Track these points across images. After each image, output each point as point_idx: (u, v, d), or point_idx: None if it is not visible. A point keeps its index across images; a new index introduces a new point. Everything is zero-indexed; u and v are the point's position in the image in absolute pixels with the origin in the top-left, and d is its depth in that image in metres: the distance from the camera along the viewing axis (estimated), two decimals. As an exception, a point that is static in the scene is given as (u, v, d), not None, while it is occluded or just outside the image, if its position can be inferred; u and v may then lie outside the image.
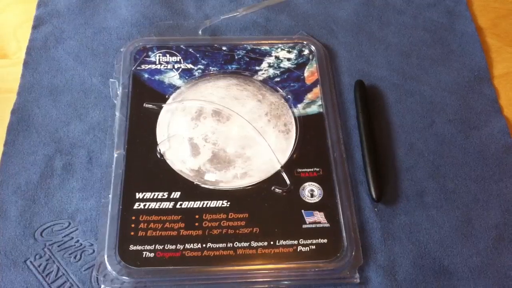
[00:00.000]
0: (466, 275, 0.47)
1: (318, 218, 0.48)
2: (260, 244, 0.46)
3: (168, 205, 0.48)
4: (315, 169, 0.51)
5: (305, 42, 0.60)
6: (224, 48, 0.59)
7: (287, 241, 0.47)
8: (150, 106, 0.54)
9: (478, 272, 0.47)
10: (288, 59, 0.58)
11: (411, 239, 0.48)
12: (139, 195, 0.48)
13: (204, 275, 0.45)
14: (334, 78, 0.58)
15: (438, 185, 0.51)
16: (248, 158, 0.51)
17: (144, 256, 0.45)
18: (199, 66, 0.57)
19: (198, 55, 0.58)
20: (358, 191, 0.51)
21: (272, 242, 0.46)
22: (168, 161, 0.51)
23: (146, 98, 0.54)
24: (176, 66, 0.57)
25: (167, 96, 0.55)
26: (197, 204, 0.48)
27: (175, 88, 0.55)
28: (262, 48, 0.59)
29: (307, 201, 0.49)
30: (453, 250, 0.48)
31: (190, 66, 0.57)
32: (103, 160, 0.51)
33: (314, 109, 0.55)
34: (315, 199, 0.49)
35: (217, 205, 0.48)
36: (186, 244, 0.46)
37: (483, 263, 0.47)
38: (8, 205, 0.48)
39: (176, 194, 0.49)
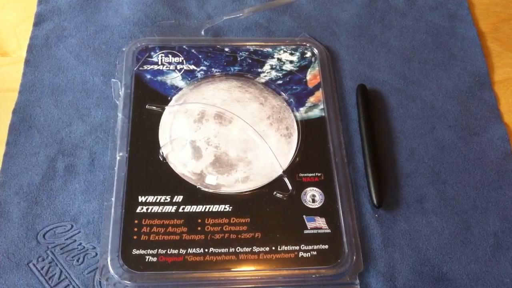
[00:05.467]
0: (464, 282, 0.47)
1: (320, 223, 0.48)
2: (262, 249, 0.47)
3: (171, 209, 0.48)
4: (316, 174, 0.51)
5: (307, 45, 0.60)
6: (226, 49, 0.58)
7: (288, 246, 0.47)
8: (152, 107, 0.54)
9: (476, 279, 0.48)
10: (291, 62, 0.58)
11: (410, 245, 0.49)
12: (141, 199, 0.48)
13: (206, 280, 0.45)
14: (336, 81, 0.58)
15: (438, 191, 0.52)
16: (250, 162, 0.52)
17: (147, 260, 0.45)
18: (201, 68, 0.57)
19: (200, 56, 0.58)
20: (359, 196, 0.51)
21: (274, 248, 0.47)
22: (170, 164, 0.51)
23: (148, 99, 0.54)
24: (178, 67, 0.57)
25: (169, 98, 0.55)
26: (199, 208, 0.48)
27: (177, 89, 0.55)
28: (265, 50, 0.59)
29: (309, 206, 0.49)
30: (451, 257, 0.49)
31: (192, 67, 0.57)
32: (106, 162, 0.51)
33: (316, 112, 0.55)
34: (317, 205, 0.50)
35: (219, 210, 0.49)
36: (189, 249, 0.46)
37: (481, 271, 0.48)
38: (10, 206, 0.48)
39: (178, 198, 0.49)
